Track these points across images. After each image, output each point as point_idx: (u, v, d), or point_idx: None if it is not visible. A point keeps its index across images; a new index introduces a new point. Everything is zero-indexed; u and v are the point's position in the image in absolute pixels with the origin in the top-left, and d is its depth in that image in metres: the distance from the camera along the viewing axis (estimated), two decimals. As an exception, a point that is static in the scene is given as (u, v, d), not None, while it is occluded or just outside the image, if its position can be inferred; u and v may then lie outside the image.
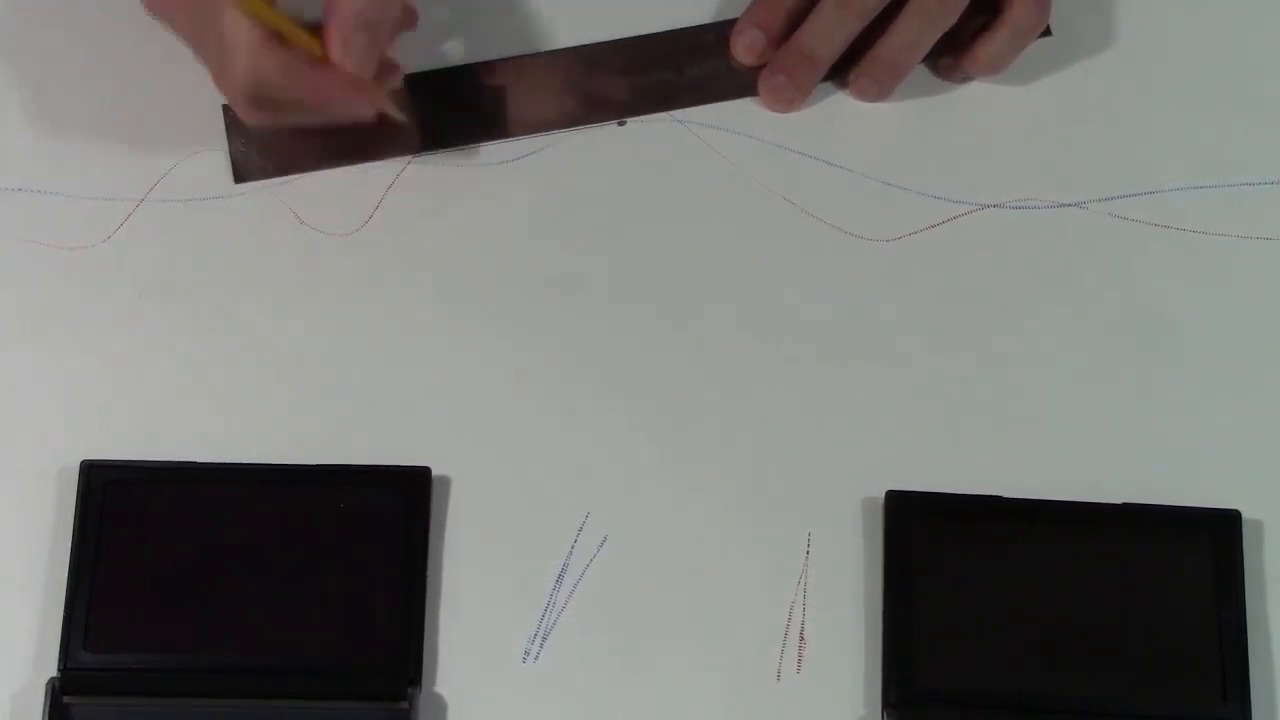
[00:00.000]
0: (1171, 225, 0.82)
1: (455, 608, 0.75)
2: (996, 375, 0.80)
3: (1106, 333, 0.80)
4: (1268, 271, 0.82)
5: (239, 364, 0.79)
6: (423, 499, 0.75)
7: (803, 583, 0.76)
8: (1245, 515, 0.75)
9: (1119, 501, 0.76)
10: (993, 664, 0.73)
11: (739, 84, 0.85)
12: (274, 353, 0.79)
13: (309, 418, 0.78)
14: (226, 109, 0.83)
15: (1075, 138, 0.84)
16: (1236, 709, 0.73)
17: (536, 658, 0.75)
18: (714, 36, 0.86)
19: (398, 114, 0.80)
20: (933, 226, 0.82)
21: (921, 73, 0.85)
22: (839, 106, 0.85)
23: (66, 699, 0.72)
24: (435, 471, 0.76)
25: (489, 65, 0.85)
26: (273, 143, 0.82)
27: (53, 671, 0.73)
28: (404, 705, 0.73)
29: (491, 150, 0.83)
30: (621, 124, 0.84)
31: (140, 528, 0.75)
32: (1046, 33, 0.85)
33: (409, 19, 0.80)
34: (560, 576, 0.76)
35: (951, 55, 0.84)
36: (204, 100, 0.82)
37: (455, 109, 0.84)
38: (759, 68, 0.84)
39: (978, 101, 0.85)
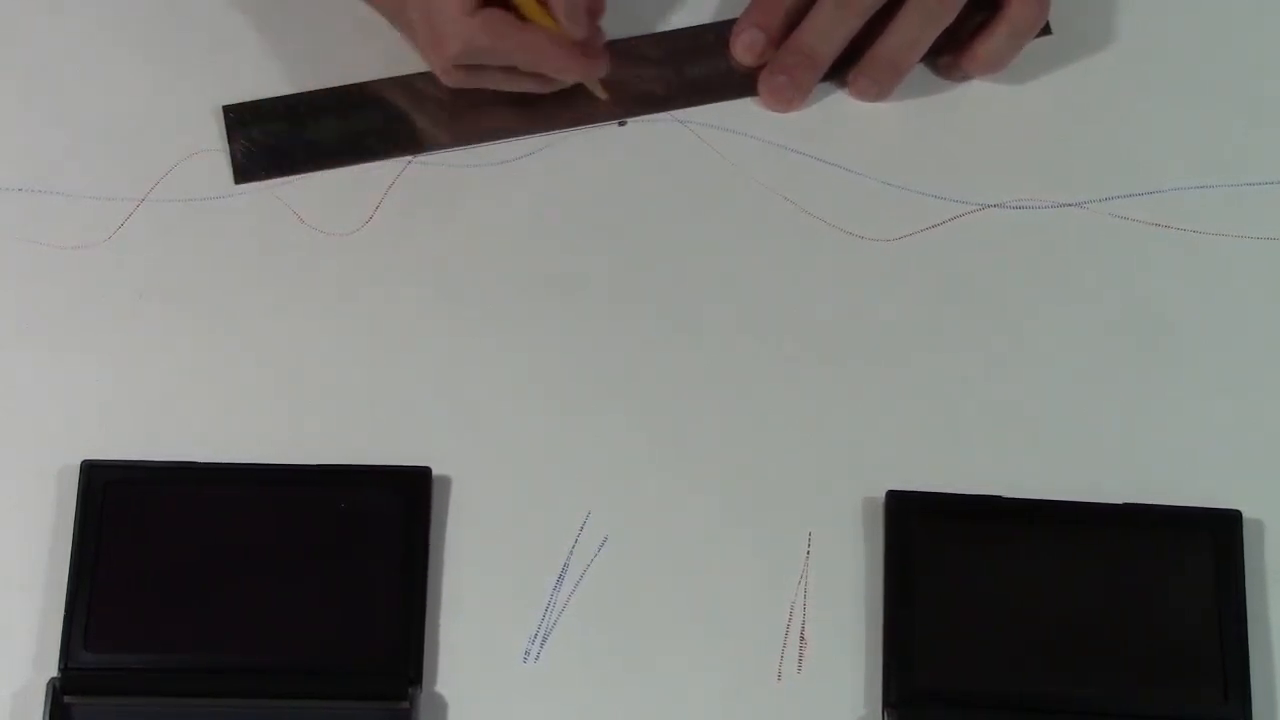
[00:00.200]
0: (1171, 225, 0.82)
1: (455, 608, 0.75)
2: (996, 375, 0.79)
3: (1106, 333, 0.80)
4: (1268, 271, 0.82)
5: (239, 364, 0.79)
6: (423, 499, 0.75)
7: (803, 583, 0.76)
8: (1245, 515, 0.75)
9: (1119, 502, 0.76)
10: (993, 664, 0.73)
11: (739, 84, 0.85)
12: (274, 353, 0.79)
13: (309, 418, 0.78)
14: (227, 109, 0.83)
15: (1075, 137, 0.84)
16: (1237, 708, 0.73)
17: (537, 658, 0.75)
18: (714, 36, 0.86)
19: (598, 87, 0.82)
20: (933, 226, 0.82)
21: (921, 72, 0.85)
22: (839, 106, 0.85)
23: (67, 699, 0.72)
24: (435, 471, 0.76)
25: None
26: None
27: (53, 671, 0.73)
28: (404, 705, 0.73)
29: (491, 150, 0.83)
30: (621, 124, 0.84)
31: (140, 528, 0.75)
32: (1046, 31, 0.85)
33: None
34: (560, 576, 0.76)
35: (951, 54, 0.84)
36: (204, 100, 0.83)
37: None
38: (759, 68, 0.84)
39: (978, 101, 0.85)
